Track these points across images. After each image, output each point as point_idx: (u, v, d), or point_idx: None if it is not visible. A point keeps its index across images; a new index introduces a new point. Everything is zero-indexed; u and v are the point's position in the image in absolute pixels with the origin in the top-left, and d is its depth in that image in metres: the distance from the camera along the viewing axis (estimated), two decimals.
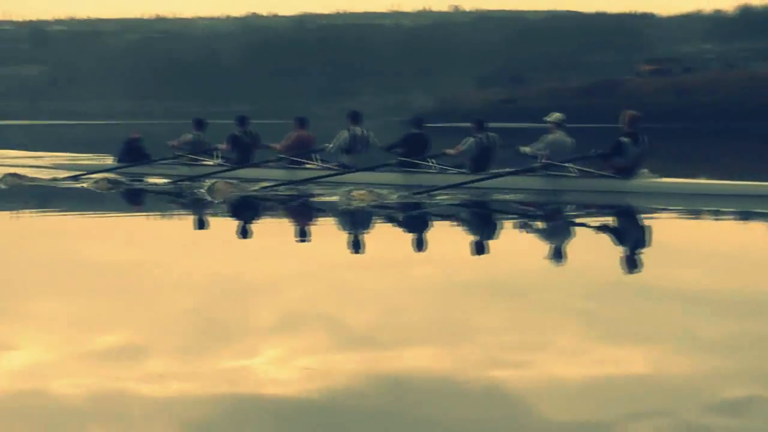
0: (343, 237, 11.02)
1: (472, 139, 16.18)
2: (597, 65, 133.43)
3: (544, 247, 10.30)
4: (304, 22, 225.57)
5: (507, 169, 15.72)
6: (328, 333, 5.87)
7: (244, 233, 11.30)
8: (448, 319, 6.26)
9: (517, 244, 10.29)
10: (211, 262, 8.71)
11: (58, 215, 13.48)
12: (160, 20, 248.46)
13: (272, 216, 13.68)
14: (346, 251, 9.46)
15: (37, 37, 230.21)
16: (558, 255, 9.42)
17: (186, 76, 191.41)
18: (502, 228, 12.26)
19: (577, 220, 13.07)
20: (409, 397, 4.63)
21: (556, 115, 15.63)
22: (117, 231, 11.52)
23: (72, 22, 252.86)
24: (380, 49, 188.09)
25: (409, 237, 11.23)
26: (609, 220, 13.15)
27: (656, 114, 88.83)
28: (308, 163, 17.68)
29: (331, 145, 17.38)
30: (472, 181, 15.28)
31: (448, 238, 10.91)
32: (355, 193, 14.07)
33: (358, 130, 17.34)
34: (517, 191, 15.07)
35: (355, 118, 17.59)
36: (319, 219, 13.07)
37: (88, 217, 13.22)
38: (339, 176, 16.42)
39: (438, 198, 14.48)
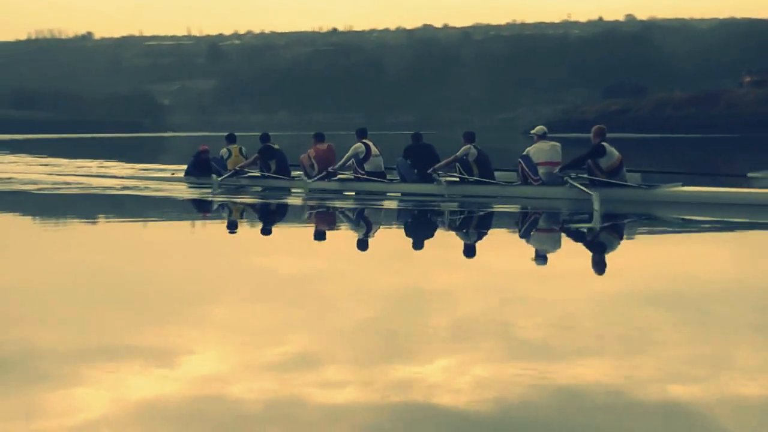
0: (514, 248, 11.14)
1: (469, 146, 17.23)
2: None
3: (715, 257, 10.01)
4: (470, 34, 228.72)
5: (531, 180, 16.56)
6: (502, 343, 5.89)
7: (418, 244, 11.55)
8: (622, 331, 6.19)
9: (687, 255, 10.13)
10: (384, 273, 8.91)
11: (213, 224, 13.87)
12: (331, 33, 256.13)
13: (442, 227, 13.71)
14: (519, 262, 9.57)
15: (212, 51, 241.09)
16: (729, 265, 9.29)
17: (352, 87, 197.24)
18: (665, 239, 11.89)
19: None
20: (582, 409, 4.60)
21: (538, 128, 17.19)
22: (289, 241, 11.81)
23: (247, 36, 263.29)
24: (544, 58, 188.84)
25: (578, 247, 11.16)
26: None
27: (754, 124, 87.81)
28: (340, 174, 19.03)
29: (344, 159, 18.82)
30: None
31: (625, 249, 11.00)
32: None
33: (367, 141, 18.80)
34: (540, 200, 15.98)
35: (363, 133, 18.99)
36: (486, 230, 13.20)
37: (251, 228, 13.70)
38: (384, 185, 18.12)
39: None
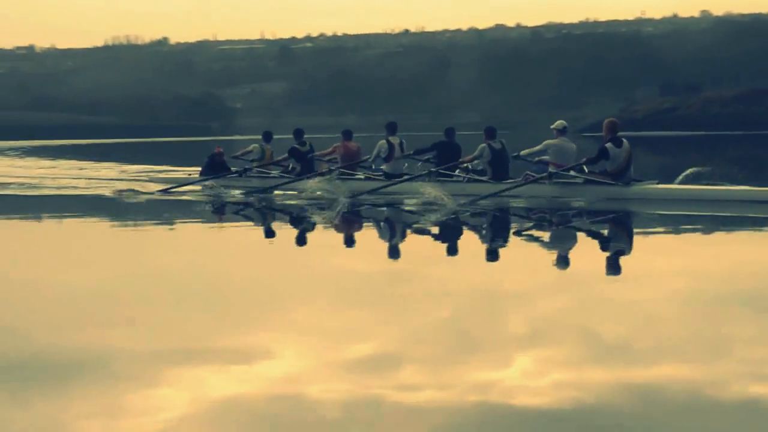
0: (591, 249, 11.17)
1: (483, 145, 17.18)
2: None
3: None
4: (541, 33, 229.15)
5: (517, 180, 16.70)
6: (580, 344, 5.86)
7: (494, 251, 11.46)
8: (704, 331, 6.16)
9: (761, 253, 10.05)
10: (462, 274, 8.91)
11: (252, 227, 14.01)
12: (402, 35, 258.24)
13: (524, 228, 13.85)
14: (595, 262, 9.57)
15: (283, 54, 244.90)
16: None
17: (420, 88, 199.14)
18: (732, 238, 11.95)
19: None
20: (663, 410, 4.56)
21: (558, 123, 16.88)
22: (362, 242, 11.99)
23: (319, 39, 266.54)
24: (614, 56, 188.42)
25: (654, 246, 11.04)
26: None
27: None
28: (358, 174, 19.03)
29: (372, 157, 18.73)
30: (507, 189, 16.35)
31: (697, 248, 10.92)
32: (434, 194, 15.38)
33: (395, 139, 18.59)
34: (529, 198, 16.09)
35: (392, 129, 18.78)
36: (561, 230, 13.18)
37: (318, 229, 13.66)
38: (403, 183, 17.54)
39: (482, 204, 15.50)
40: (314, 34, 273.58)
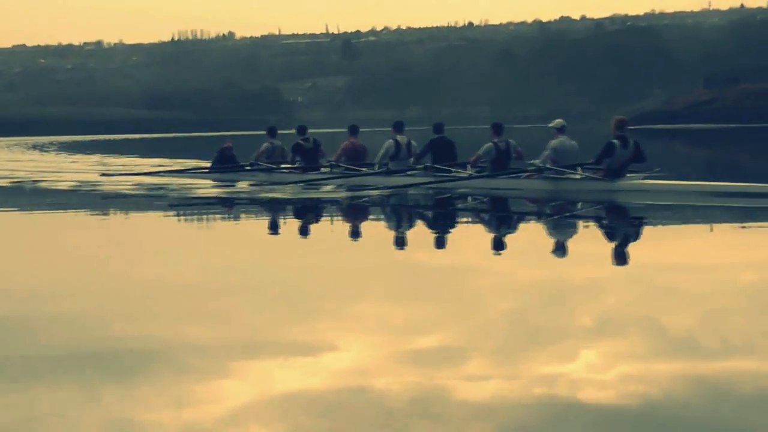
0: (662, 240, 11.08)
1: (490, 144, 17.43)
2: None
3: None
4: (604, 25, 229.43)
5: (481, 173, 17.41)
6: (648, 337, 5.83)
7: (561, 246, 11.54)
8: None
9: None
10: (526, 266, 8.91)
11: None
12: (466, 28, 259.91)
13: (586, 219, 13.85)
14: (664, 253, 9.52)
15: (346, 48, 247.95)
16: None
17: (481, 81, 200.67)
18: None
19: None
20: (732, 405, 4.55)
21: (557, 121, 17.15)
22: (416, 235, 12.24)
23: (383, 33, 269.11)
24: (676, 48, 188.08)
25: (723, 240, 11.02)
26: None
27: None
28: (361, 170, 19.34)
29: (378, 157, 19.03)
30: (434, 182, 17.35)
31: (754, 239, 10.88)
32: None
33: (402, 138, 18.85)
34: (518, 190, 16.65)
35: (399, 127, 19.04)
36: (618, 223, 13.26)
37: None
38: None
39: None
40: (379, 28, 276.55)
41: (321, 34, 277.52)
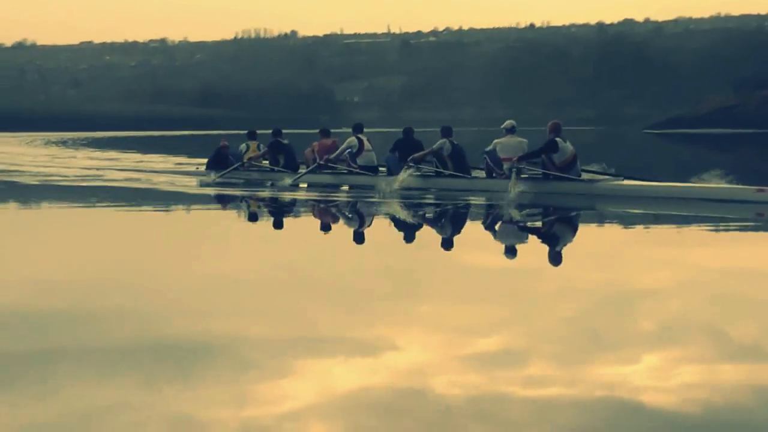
0: (720, 246, 11.01)
1: (444, 140, 18.44)
2: None
3: None
4: (664, 28, 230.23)
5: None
6: (711, 342, 5.84)
7: (615, 240, 11.59)
8: None
9: None
10: (584, 270, 8.98)
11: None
12: (528, 29, 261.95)
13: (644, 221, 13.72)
14: (720, 260, 9.49)
15: (404, 48, 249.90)
16: None
17: (536, 83, 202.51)
18: None
19: None
20: None
21: (507, 122, 18.26)
22: (473, 237, 12.36)
23: (443, 33, 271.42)
24: (736, 51, 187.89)
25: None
26: None
27: None
28: (338, 167, 20.27)
29: (339, 152, 20.18)
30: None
31: None
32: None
33: (363, 136, 20.09)
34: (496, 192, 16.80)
35: (358, 128, 20.33)
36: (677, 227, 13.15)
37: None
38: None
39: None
40: (441, 28, 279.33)
41: (382, 33, 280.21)
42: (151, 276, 8.72)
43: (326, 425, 4.46)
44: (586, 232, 12.65)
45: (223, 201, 18.05)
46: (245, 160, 22.44)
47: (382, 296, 7.59)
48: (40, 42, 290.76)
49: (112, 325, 6.47)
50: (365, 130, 21.01)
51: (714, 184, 15.93)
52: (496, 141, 17.81)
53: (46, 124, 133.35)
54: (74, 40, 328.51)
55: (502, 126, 18.15)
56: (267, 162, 22.36)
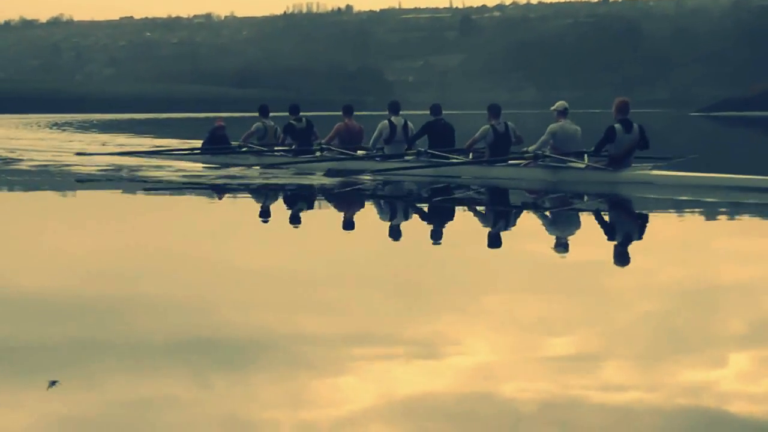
0: None
1: (487, 127, 16.80)
2: None
3: None
4: (741, 3, 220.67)
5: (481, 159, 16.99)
6: None
7: (700, 233, 11.33)
8: None
9: None
10: (667, 264, 8.68)
11: None
12: (600, 4, 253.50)
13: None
14: None
15: (465, 24, 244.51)
16: None
17: (605, 62, 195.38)
18: None
19: None
20: None
21: (559, 103, 16.61)
22: (528, 228, 11.99)
23: (509, 8, 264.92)
24: None
25: None
26: None
27: None
28: (353, 153, 18.87)
29: (372, 140, 18.53)
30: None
31: None
32: None
33: (398, 120, 18.35)
34: (517, 180, 16.31)
35: (395, 108, 18.61)
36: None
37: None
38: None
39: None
40: (507, 2, 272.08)
41: (444, 8, 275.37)
42: (205, 269, 8.46)
43: (384, 428, 4.38)
44: (658, 223, 12.15)
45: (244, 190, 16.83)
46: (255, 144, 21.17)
47: (443, 289, 7.39)
48: (77, 17, 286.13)
49: (157, 317, 6.44)
50: (416, 112, 21.67)
51: None
52: (552, 128, 16.22)
53: (78, 106, 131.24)
54: (114, 15, 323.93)
55: (554, 107, 16.67)
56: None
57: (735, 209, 13.32)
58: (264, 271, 8.24)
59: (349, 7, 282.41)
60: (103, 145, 31.55)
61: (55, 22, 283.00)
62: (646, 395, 4.69)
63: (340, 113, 19.92)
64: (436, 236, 10.87)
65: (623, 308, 6.69)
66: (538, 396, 4.71)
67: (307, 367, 5.22)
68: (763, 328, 6.04)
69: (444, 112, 18.49)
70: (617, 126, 15.18)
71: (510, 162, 16.81)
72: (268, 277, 7.95)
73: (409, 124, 18.41)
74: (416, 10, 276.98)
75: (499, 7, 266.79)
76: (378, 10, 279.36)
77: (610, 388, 4.82)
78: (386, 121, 18.34)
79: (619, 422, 4.34)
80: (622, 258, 9.13)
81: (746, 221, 12.37)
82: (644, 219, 12.64)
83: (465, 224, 12.18)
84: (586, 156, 15.80)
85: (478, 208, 14.35)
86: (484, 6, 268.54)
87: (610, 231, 11.73)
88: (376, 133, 18.36)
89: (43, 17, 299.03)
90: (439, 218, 12.89)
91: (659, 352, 5.48)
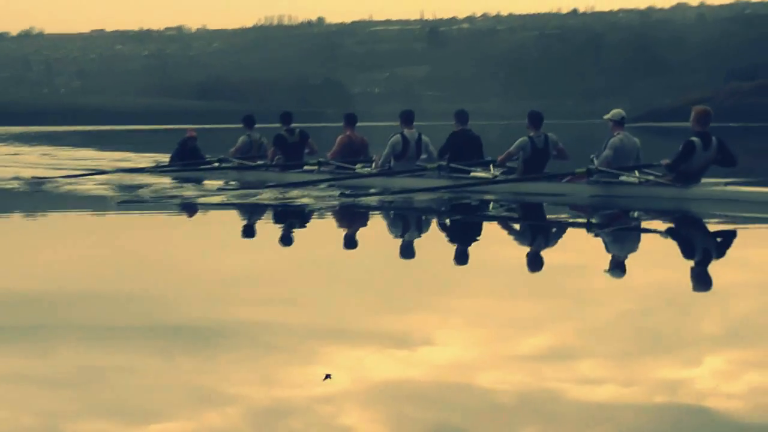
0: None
1: (525, 139, 15.04)
2: None
3: None
4: (705, 15, 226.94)
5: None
6: None
7: (689, 242, 11.24)
8: None
9: None
10: (639, 266, 8.86)
11: None
12: (570, 15, 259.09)
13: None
14: None
15: (432, 36, 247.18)
16: None
17: (568, 73, 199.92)
18: None
19: None
20: None
21: (614, 112, 14.73)
22: (514, 233, 11.94)
23: (479, 20, 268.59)
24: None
25: None
26: None
27: None
28: (354, 169, 17.07)
29: (382, 158, 16.60)
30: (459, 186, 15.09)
31: None
32: None
33: (411, 134, 16.58)
34: (561, 196, 14.72)
35: (408, 118, 16.80)
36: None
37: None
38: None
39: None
40: (478, 14, 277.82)
41: (414, 20, 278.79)
42: (181, 273, 8.98)
43: (362, 410, 4.47)
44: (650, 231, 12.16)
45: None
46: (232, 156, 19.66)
47: (421, 290, 7.65)
48: (47, 30, 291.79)
49: (131, 308, 6.80)
50: (379, 123, 19.21)
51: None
52: (612, 142, 14.37)
53: (47, 119, 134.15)
54: (85, 28, 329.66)
55: (608, 116, 14.75)
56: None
57: None
58: (242, 277, 8.38)
59: (320, 20, 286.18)
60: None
61: (26, 35, 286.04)
62: (622, 390, 4.83)
63: (308, 125, 18.88)
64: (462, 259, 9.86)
65: (598, 308, 6.80)
66: (514, 388, 4.84)
67: (279, 352, 5.39)
68: (736, 330, 6.16)
69: (395, 123, 17.26)
70: (695, 140, 13.39)
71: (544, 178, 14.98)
72: (244, 282, 8.13)
73: (424, 137, 16.65)
74: (387, 22, 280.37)
75: (469, 19, 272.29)
76: (349, 22, 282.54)
77: (587, 382, 4.93)
78: (398, 135, 16.46)
79: (596, 415, 4.47)
80: (598, 262, 9.11)
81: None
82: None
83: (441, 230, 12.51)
84: (643, 170, 14.29)
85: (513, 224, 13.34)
86: (454, 18, 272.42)
87: (589, 238, 11.61)
88: (387, 149, 16.42)
89: (14, 30, 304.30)
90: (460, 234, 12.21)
91: (634, 350, 5.59)
